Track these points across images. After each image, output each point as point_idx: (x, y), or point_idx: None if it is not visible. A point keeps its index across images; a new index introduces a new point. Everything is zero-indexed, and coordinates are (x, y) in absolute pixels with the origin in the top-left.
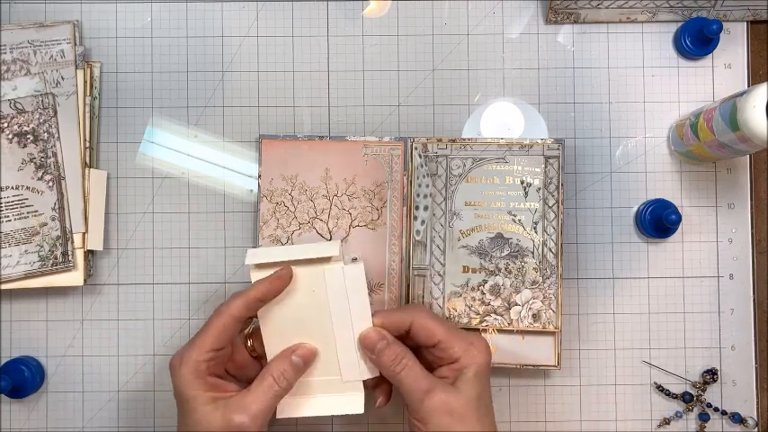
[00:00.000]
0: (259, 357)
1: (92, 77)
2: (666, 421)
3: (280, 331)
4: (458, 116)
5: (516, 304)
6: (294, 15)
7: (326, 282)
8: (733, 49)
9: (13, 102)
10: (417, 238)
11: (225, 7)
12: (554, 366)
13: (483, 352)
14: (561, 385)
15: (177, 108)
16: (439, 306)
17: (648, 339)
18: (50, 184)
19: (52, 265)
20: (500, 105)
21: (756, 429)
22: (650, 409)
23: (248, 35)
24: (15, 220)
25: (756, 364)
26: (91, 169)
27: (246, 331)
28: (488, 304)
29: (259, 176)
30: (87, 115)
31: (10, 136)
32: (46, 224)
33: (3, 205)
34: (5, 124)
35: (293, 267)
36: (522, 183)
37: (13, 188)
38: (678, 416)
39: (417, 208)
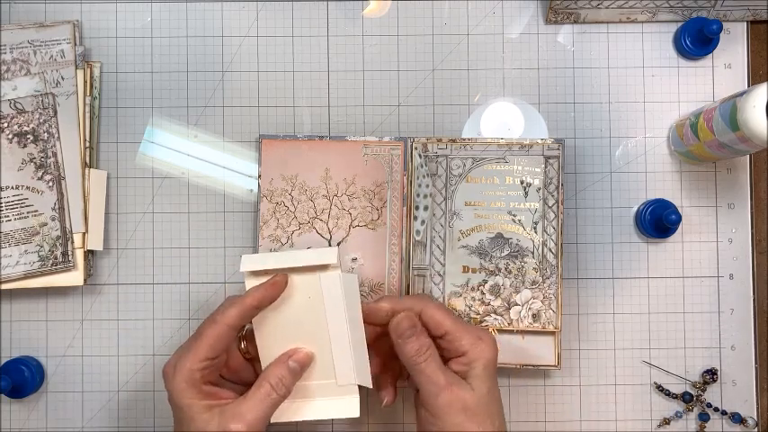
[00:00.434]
0: (252, 360)
1: (92, 77)
2: (666, 421)
3: (274, 337)
4: (458, 116)
5: (516, 304)
6: (294, 15)
7: (323, 288)
8: (733, 49)
9: (13, 102)
10: (417, 238)
11: (225, 7)
12: (554, 366)
13: (491, 347)
14: (561, 385)
15: (177, 108)
16: None
17: (648, 339)
18: (50, 184)
19: (52, 265)
20: (500, 105)
21: (756, 429)
22: (650, 409)
23: (248, 35)
24: (15, 219)
25: (756, 364)
26: (91, 169)
27: (240, 333)
28: (488, 304)
29: (259, 176)
30: (87, 115)
31: (10, 136)
32: (46, 224)
33: (3, 205)
34: (5, 124)
35: (289, 273)
36: (522, 183)
37: (13, 188)
38: (678, 416)
39: (417, 208)
